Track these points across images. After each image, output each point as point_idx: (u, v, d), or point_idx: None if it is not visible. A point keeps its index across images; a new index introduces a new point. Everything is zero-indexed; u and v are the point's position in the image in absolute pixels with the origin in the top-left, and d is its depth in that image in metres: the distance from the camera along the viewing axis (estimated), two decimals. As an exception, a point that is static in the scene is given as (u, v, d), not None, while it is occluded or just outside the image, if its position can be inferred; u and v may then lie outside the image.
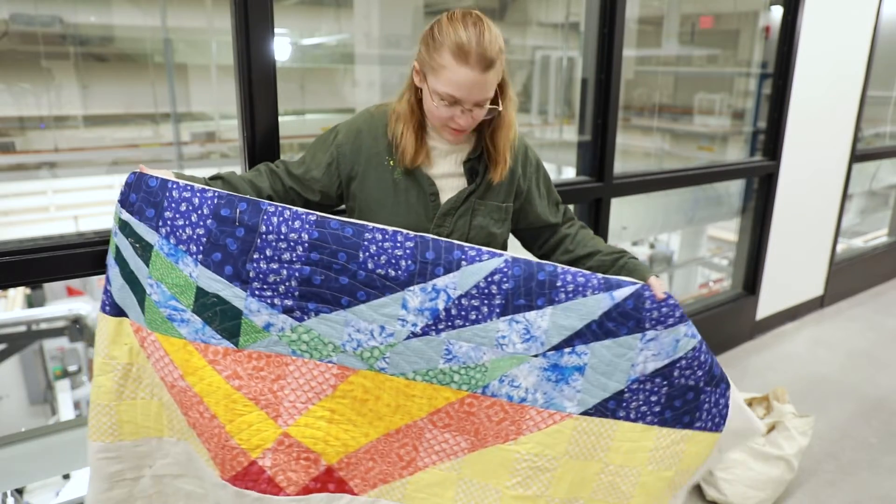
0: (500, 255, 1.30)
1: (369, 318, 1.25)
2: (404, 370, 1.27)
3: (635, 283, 1.34)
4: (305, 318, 1.24)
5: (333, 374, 1.26)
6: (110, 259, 1.27)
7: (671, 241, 7.58)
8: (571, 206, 2.53)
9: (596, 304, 1.31)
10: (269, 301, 1.23)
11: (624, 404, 1.36)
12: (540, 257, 1.55)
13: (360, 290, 1.25)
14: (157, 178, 1.24)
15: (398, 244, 1.26)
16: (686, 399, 1.40)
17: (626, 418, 1.37)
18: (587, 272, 1.34)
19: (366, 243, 1.24)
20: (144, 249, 1.23)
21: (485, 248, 1.31)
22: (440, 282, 1.27)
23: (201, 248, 1.21)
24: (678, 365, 1.37)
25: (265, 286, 1.23)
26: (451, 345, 1.27)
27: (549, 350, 1.31)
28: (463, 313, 1.27)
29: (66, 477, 3.92)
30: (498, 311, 1.28)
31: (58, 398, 6.46)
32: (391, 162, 1.34)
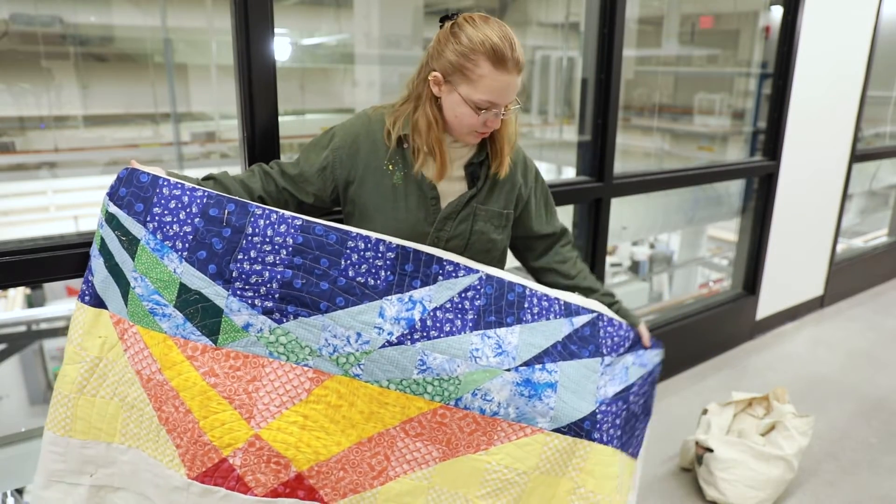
0: (476, 271, 1.36)
1: (346, 325, 1.27)
2: (378, 378, 1.29)
3: (592, 312, 1.46)
4: (284, 320, 1.26)
5: (309, 377, 1.27)
6: (94, 250, 1.28)
7: (671, 241, 7.58)
8: (571, 207, 2.53)
9: (558, 327, 1.41)
10: (249, 301, 1.24)
11: (598, 426, 1.41)
12: (535, 270, 1.56)
13: (340, 297, 1.27)
14: (148, 174, 1.26)
15: (379, 254, 1.29)
16: (633, 425, 1.51)
17: (600, 441, 1.42)
18: (553, 297, 1.44)
19: (348, 251, 1.28)
20: (131, 243, 1.25)
21: (462, 264, 1.35)
22: (416, 294, 1.31)
23: (187, 245, 1.23)
24: (632, 391, 1.49)
25: (247, 286, 1.24)
26: (425, 356, 1.29)
27: (521, 365, 1.35)
28: (438, 325, 1.31)
29: (66, 477, 3.92)
30: (471, 325, 1.33)
31: (58, 398, 6.43)
32: (390, 167, 1.33)
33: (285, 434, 1.27)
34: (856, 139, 3.64)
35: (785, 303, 3.62)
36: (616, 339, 1.49)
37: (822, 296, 3.88)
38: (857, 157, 3.74)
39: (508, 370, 1.33)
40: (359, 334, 1.27)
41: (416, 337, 1.29)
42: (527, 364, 1.35)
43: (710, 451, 2.12)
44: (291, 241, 1.25)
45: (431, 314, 1.31)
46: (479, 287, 1.36)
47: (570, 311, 1.44)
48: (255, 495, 1.28)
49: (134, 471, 1.32)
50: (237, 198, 1.27)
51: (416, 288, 1.31)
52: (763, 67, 3.31)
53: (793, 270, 3.60)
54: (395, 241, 1.31)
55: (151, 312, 1.24)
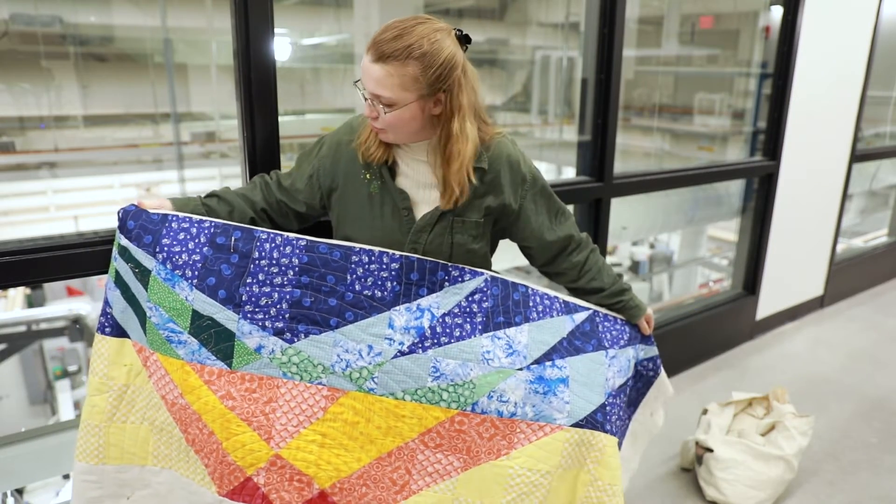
0: (481, 274, 1.37)
1: (357, 338, 1.28)
2: (393, 390, 1.29)
3: (588, 309, 1.49)
4: (295, 339, 1.27)
5: (323, 395, 1.28)
6: (110, 282, 1.32)
7: (671, 241, 7.58)
8: (571, 207, 2.53)
9: (561, 325, 1.44)
10: (260, 323, 1.27)
11: (608, 417, 1.43)
12: (545, 275, 1.56)
13: (349, 311, 1.29)
14: (157, 213, 1.28)
15: (384, 266, 1.31)
16: (626, 414, 1.55)
17: (611, 432, 1.43)
18: (553, 295, 1.46)
19: (353, 266, 1.29)
20: (143, 274, 1.27)
21: (467, 268, 1.37)
22: (424, 301, 1.33)
23: (196, 272, 1.26)
24: (628, 384, 1.52)
25: (257, 309, 1.27)
26: (437, 362, 1.30)
27: (533, 363, 1.36)
28: (447, 331, 1.32)
29: (66, 477, 3.92)
30: (480, 327, 1.35)
31: (58, 398, 6.45)
32: (367, 176, 1.33)
33: (305, 453, 1.29)
34: (856, 139, 3.64)
35: (785, 303, 3.62)
36: (614, 332, 1.52)
37: (822, 296, 3.88)
38: (857, 157, 3.73)
39: (521, 369, 1.34)
40: (370, 347, 1.29)
41: (426, 345, 1.30)
42: (538, 362, 1.36)
43: (710, 451, 2.12)
44: (297, 261, 1.28)
45: (440, 320, 1.32)
46: (485, 289, 1.37)
47: (569, 308, 1.47)
48: None
49: (169, 490, 1.35)
50: (242, 225, 1.30)
51: (423, 296, 1.33)
52: (763, 67, 3.31)
53: (793, 270, 3.60)
54: (399, 252, 1.32)
55: (168, 340, 1.27)
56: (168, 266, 1.26)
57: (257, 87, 1.52)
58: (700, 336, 3.14)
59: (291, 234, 1.30)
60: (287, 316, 1.27)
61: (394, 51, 1.15)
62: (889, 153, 4.31)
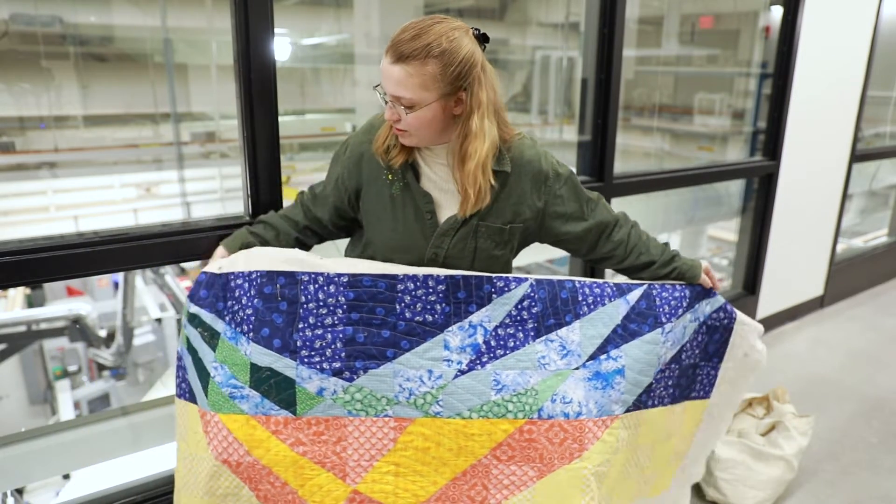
0: (526, 279, 1.37)
1: (416, 365, 1.29)
2: (459, 410, 1.30)
3: (642, 284, 1.46)
4: (355, 377, 1.28)
5: (391, 427, 1.29)
6: (182, 349, 1.36)
7: (671, 241, 7.56)
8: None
9: (615, 310, 1.42)
10: (318, 366, 1.27)
11: (651, 394, 1.44)
12: (590, 262, 1.55)
13: (403, 340, 1.30)
14: (221, 273, 1.31)
15: (430, 289, 1.31)
16: (688, 375, 1.53)
17: (652, 405, 1.45)
18: (601, 281, 1.45)
19: (399, 294, 1.30)
20: (212, 337, 1.31)
21: (511, 276, 1.37)
22: (475, 318, 1.33)
23: (251, 326, 1.28)
24: (685, 349, 1.50)
25: (313, 353, 1.28)
26: (497, 375, 1.31)
27: (588, 360, 1.37)
28: (502, 343, 1.33)
29: (66, 477, 3.92)
30: (532, 334, 1.36)
31: (58, 398, 6.45)
32: (389, 177, 1.31)
33: (381, 484, 1.30)
34: (856, 139, 3.64)
35: (785, 303, 3.62)
36: (672, 302, 1.47)
37: (822, 296, 3.88)
38: (857, 157, 3.73)
39: (577, 368, 1.35)
40: (430, 371, 1.29)
41: (484, 360, 1.32)
42: (592, 357, 1.37)
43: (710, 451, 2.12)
44: (343, 298, 1.29)
45: (494, 334, 1.34)
46: (532, 294, 1.38)
47: (621, 290, 1.45)
48: None
49: None
50: (286, 269, 1.30)
51: (472, 312, 1.33)
52: (763, 67, 3.31)
53: (793, 270, 3.59)
54: (443, 272, 1.32)
55: (231, 397, 1.28)
56: (232, 325, 1.29)
57: (257, 87, 1.52)
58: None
59: (332, 271, 1.30)
60: (343, 355, 1.28)
61: (413, 50, 1.14)
62: (889, 153, 4.31)
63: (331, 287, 1.29)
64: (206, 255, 1.61)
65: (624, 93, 3.02)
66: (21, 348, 6.16)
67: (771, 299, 3.48)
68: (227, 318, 1.30)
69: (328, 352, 1.28)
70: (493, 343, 1.33)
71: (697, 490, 2.20)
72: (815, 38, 3.09)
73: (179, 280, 7.18)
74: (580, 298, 1.41)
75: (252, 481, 1.29)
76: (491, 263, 1.38)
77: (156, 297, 6.93)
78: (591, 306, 1.41)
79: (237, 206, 1.87)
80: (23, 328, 5.82)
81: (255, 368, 1.27)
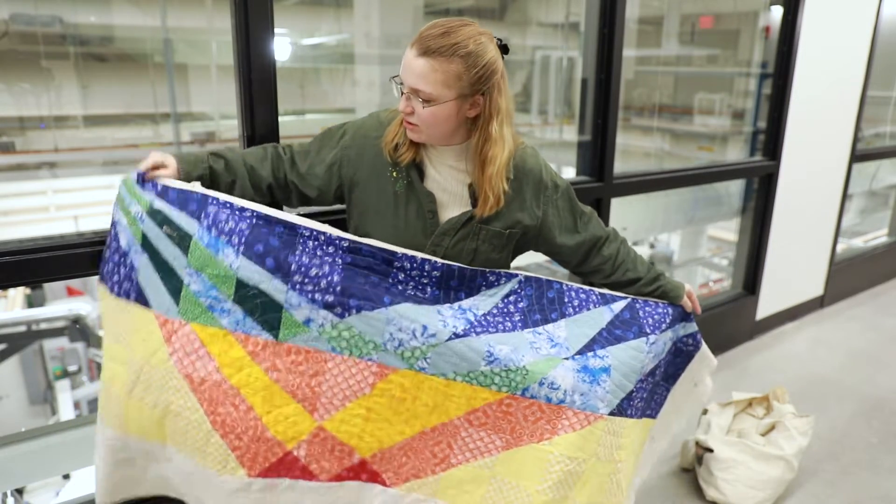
0: (515, 276, 1.39)
1: (412, 317, 1.27)
2: (445, 371, 1.29)
3: (626, 297, 1.49)
4: (346, 314, 1.24)
5: (372, 371, 1.27)
6: (135, 245, 1.25)
7: (671, 241, 7.58)
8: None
9: (600, 316, 1.44)
10: (310, 296, 1.23)
11: (632, 402, 1.44)
12: (578, 275, 1.57)
13: (398, 297, 1.29)
14: (197, 192, 1.24)
15: (425, 273, 1.31)
16: (655, 392, 1.55)
17: (632, 415, 1.45)
18: (588, 288, 1.47)
19: (394, 271, 1.29)
20: (182, 239, 1.23)
21: (503, 272, 1.39)
22: (464, 303, 1.35)
23: (243, 239, 1.21)
24: (659, 365, 1.51)
25: (307, 280, 1.22)
26: (492, 347, 1.31)
27: (576, 354, 1.37)
28: (492, 327, 1.34)
29: (66, 477, 3.93)
30: (520, 325, 1.37)
31: (58, 398, 6.45)
32: (394, 174, 1.32)
33: (349, 425, 1.28)
34: (856, 139, 3.64)
35: (785, 303, 3.62)
36: (656, 317, 1.50)
37: (822, 296, 3.88)
38: (857, 157, 3.73)
39: (567, 359, 1.36)
40: (425, 327, 1.27)
41: (478, 331, 1.31)
42: (580, 352, 1.38)
43: (710, 451, 2.12)
44: (340, 261, 1.26)
45: (482, 319, 1.34)
46: (519, 290, 1.39)
47: (606, 299, 1.48)
48: (320, 481, 1.29)
49: (189, 474, 1.33)
50: (285, 218, 1.25)
51: (461, 299, 1.35)
52: (763, 67, 3.31)
53: (793, 270, 3.60)
54: (440, 260, 1.32)
55: (210, 308, 1.22)
56: (212, 232, 1.21)
57: (257, 87, 1.52)
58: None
59: (333, 234, 1.26)
60: (338, 289, 1.23)
61: (440, 46, 1.16)
62: (889, 153, 4.31)
63: (329, 248, 1.25)
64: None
65: (624, 93, 3.02)
66: (21, 348, 6.16)
67: (771, 299, 3.48)
68: (204, 223, 1.21)
69: (323, 283, 1.22)
70: (483, 323, 1.33)
71: (697, 490, 2.20)
72: (815, 38, 3.09)
73: (179, 280, 7.17)
74: (566, 300, 1.42)
75: (212, 402, 1.24)
76: (488, 266, 1.40)
77: (156, 297, 6.92)
78: (577, 309, 1.43)
79: (237, 206, 1.86)
80: (23, 328, 5.82)
81: (241, 284, 1.21)
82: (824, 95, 3.34)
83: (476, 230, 1.34)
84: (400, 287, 1.29)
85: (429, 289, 1.31)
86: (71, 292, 7.50)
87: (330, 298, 1.23)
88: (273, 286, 1.22)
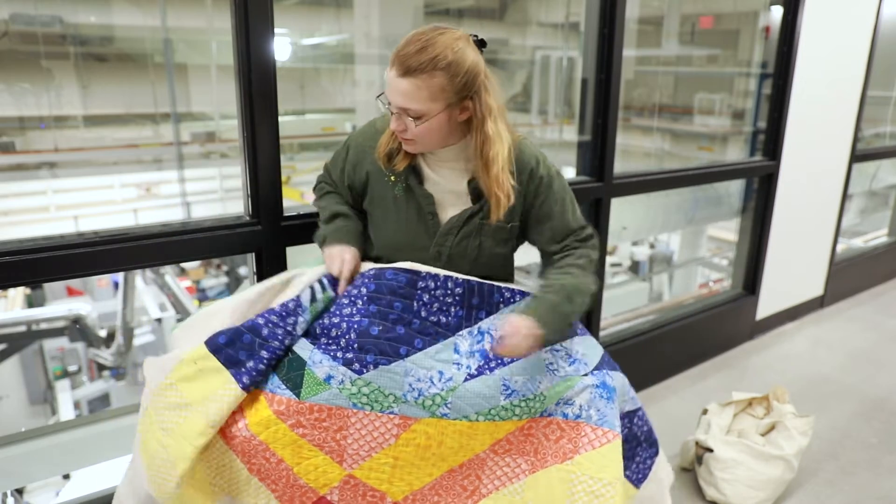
0: (529, 294, 1.38)
1: (427, 366, 1.29)
2: (466, 413, 1.30)
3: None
4: (364, 370, 1.27)
5: (395, 423, 1.28)
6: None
7: (671, 241, 7.58)
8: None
9: (595, 343, 1.46)
10: (332, 353, 1.27)
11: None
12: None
13: (417, 338, 1.30)
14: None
15: (448, 291, 1.33)
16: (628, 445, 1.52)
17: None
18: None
19: (419, 292, 1.31)
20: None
21: (517, 288, 1.39)
22: (483, 324, 1.35)
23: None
24: (627, 417, 1.48)
25: (329, 341, 1.28)
26: (506, 380, 1.31)
27: (594, 369, 1.37)
28: None
29: (66, 477, 3.92)
30: None
31: (58, 398, 6.46)
32: (391, 178, 1.34)
33: (378, 472, 1.30)
34: (856, 139, 3.64)
35: (785, 303, 3.62)
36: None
37: (822, 296, 3.88)
38: (857, 157, 3.73)
39: (586, 375, 1.36)
40: (441, 373, 1.29)
41: (492, 365, 1.31)
42: (598, 368, 1.38)
43: (710, 451, 2.12)
44: (365, 290, 1.30)
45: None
46: None
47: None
48: None
49: None
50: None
51: (481, 319, 1.35)
52: (763, 67, 3.31)
53: (793, 270, 3.60)
54: (461, 276, 1.34)
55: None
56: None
57: (257, 87, 1.52)
58: (700, 336, 3.14)
59: (364, 269, 1.33)
60: (356, 346, 1.27)
61: (420, 63, 1.16)
62: (889, 153, 4.31)
63: (357, 279, 1.33)
64: (205, 255, 1.61)
65: (624, 93, 3.02)
66: (21, 348, 6.16)
67: (771, 299, 3.48)
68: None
69: (342, 341, 1.28)
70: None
71: (697, 490, 2.20)
72: (815, 38, 3.09)
73: (179, 280, 7.18)
74: (573, 322, 1.44)
75: (245, 454, 1.28)
76: (493, 260, 1.39)
77: (156, 297, 6.93)
78: (582, 332, 1.45)
79: (237, 206, 1.87)
80: (23, 328, 5.82)
81: None
82: (824, 95, 3.34)
83: (478, 227, 1.34)
84: (424, 312, 1.31)
85: (453, 309, 1.33)
86: (71, 292, 7.50)
87: (349, 355, 1.27)
88: (301, 344, 1.28)
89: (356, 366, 1.26)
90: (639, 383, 2.88)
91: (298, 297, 1.31)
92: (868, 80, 3.55)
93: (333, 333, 1.29)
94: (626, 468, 1.45)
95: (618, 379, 1.42)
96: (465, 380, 1.29)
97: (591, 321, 2.48)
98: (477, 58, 1.21)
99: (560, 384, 1.33)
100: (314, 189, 1.54)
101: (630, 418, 1.46)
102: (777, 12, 3.06)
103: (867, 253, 4.29)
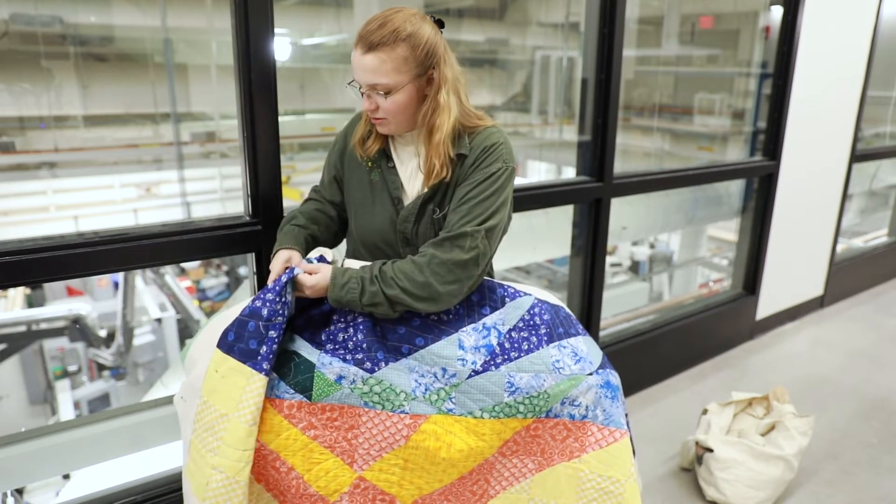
0: (529, 294, 1.40)
1: (431, 362, 1.30)
2: (472, 409, 1.30)
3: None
4: (376, 368, 1.28)
5: (406, 423, 1.29)
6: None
7: (671, 241, 7.58)
8: (571, 207, 2.53)
9: (595, 343, 1.46)
10: (341, 356, 1.28)
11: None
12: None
13: (418, 337, 1.31)
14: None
15: None
16: None
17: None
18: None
19: None
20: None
21: (520, 289, 1.39)
22: (489, 320, 1.35)
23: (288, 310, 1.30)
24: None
25: (336, 346, 1.29)
26: (511, 377, 1.31)
27: (598, 368, 1.37)
28: (516, 345, 1.34)
29: (66, 477, 3.92)
30: (546, 338, 1.36)
31: (58, 398, 6.46)
32: (369, 164, 1.36)
33: (388, 474, 1.30)
34: (856, 139, 3.64)
35: (785, 303, 3.62)
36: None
37: (822, 296, 3.88)
38: (857, 157, 3.73)
39: (590, 374, 1.36)
40: (444, 370, 1.30)
41: (498, 361, 1.32)
42: (602, 367, 1.38)
43: (710, 451, 2.12)
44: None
45: (508, 336, 1.34)
46: (540, 304, 1.40)
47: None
48: None
49: None
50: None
51: (486, 315, 1.35)
52: (763, 67, 3.31)
53: (793, 270, 3.60)
54: None
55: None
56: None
57: (257, 87, 1.52)
58: (700, 336, 3.14)
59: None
60: (364, 346, 1.28)
61: (382, 37, 1.20)
62: (889, 153, 4.31)
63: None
64: (205, 255, 1.61)
65: (624, 93, 3.02)
66: (21, 348, 6.17)
67: (771, 299, 3.48)
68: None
69: (350, 344, 1.29)
70: (507, 345, 1.34)
71: (697, 490, 2.20)
72: (815, 38, 3.09)
73: (179, 280, 7.18)
74: (574, 321, 1.45)
75: (255, 465, 1.28)
76: None
77: (156, 297, 6.94)
78: (582, 332, 1.46)
79: (237, 206, 1.87)
80: (23, 328, 5.83)
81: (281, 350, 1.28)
82: (824, 95, 3.34)
83: (431, 214, 1.31)
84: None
85: (453, 307, 1.32)
86: (71, 292, 7.50)
87: (360, 356, 1.28)
88: (307, 350, 1.29)
89: (367, 364, 1.28)
90: (639, 383, 2.89)
91: (280, 277, 1.31)
92: (868, 80, 3.55)
93: (340, 338, 1.29)
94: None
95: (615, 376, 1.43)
96: (469, 376, 1.29)
97: (590, 321, 2.48)
98: (434, 31, 1.25)
99: (564, 382, 1.33)
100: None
101: None
102: (777, 12, 3.06)
103: (867, 253, 4.29)
